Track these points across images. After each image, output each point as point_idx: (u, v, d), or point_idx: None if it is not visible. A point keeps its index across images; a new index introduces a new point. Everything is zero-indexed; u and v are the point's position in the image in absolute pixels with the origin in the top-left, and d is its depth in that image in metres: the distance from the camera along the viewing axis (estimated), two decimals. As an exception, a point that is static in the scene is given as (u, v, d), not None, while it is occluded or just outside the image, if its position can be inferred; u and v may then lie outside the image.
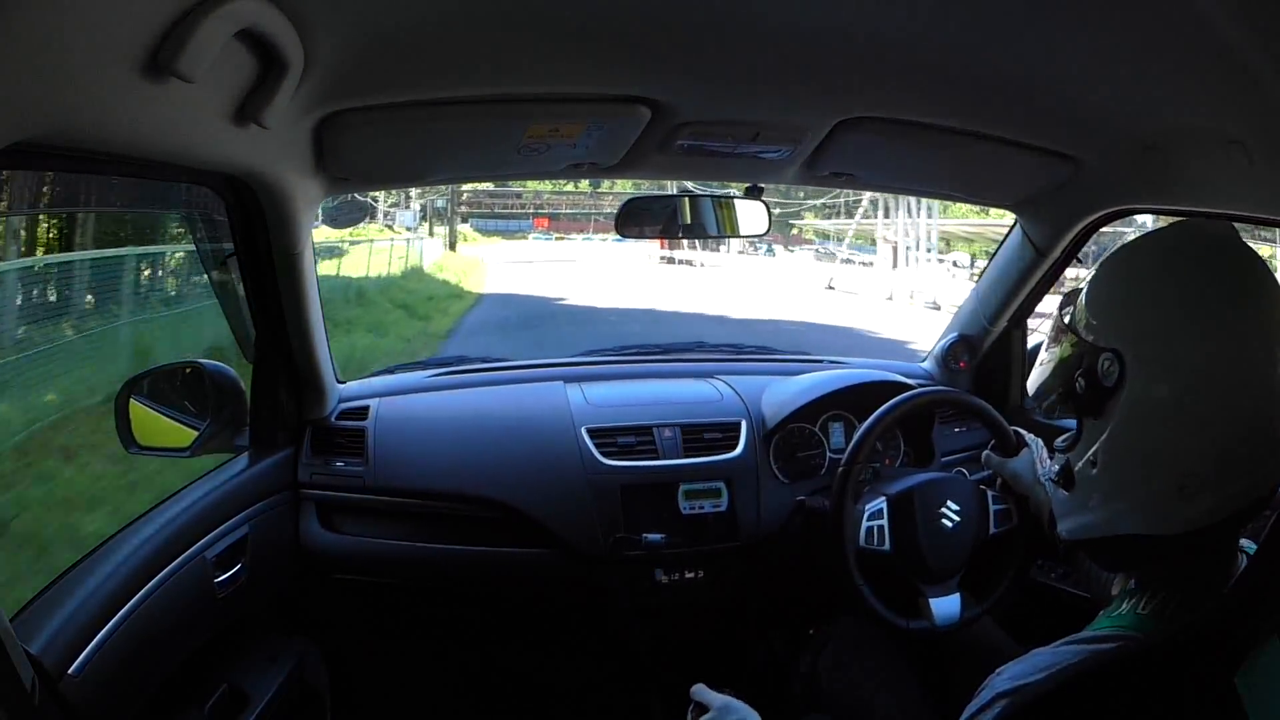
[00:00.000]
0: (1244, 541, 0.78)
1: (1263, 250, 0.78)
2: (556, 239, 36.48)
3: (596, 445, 1.53)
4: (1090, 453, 0.74)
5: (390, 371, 1.88)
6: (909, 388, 1.56)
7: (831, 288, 17.75)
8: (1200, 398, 0.67)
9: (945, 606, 1.20)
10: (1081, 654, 0.70)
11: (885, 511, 1.25)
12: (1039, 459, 1.23)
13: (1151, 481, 0.70)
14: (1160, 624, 0.71)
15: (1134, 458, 0.71)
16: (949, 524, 1.21)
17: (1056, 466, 0.80)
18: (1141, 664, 0.68)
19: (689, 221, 1.58)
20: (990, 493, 1.25)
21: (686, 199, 1.60)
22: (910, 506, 1.20)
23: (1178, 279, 0.71)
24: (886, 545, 1.26)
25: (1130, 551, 0.75)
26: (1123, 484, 0.72)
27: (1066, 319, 0.77)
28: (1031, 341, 1.80)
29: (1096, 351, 0.72)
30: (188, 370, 1.38)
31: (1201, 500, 0.68)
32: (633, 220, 1.53)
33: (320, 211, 1.41)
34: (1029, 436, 1.28)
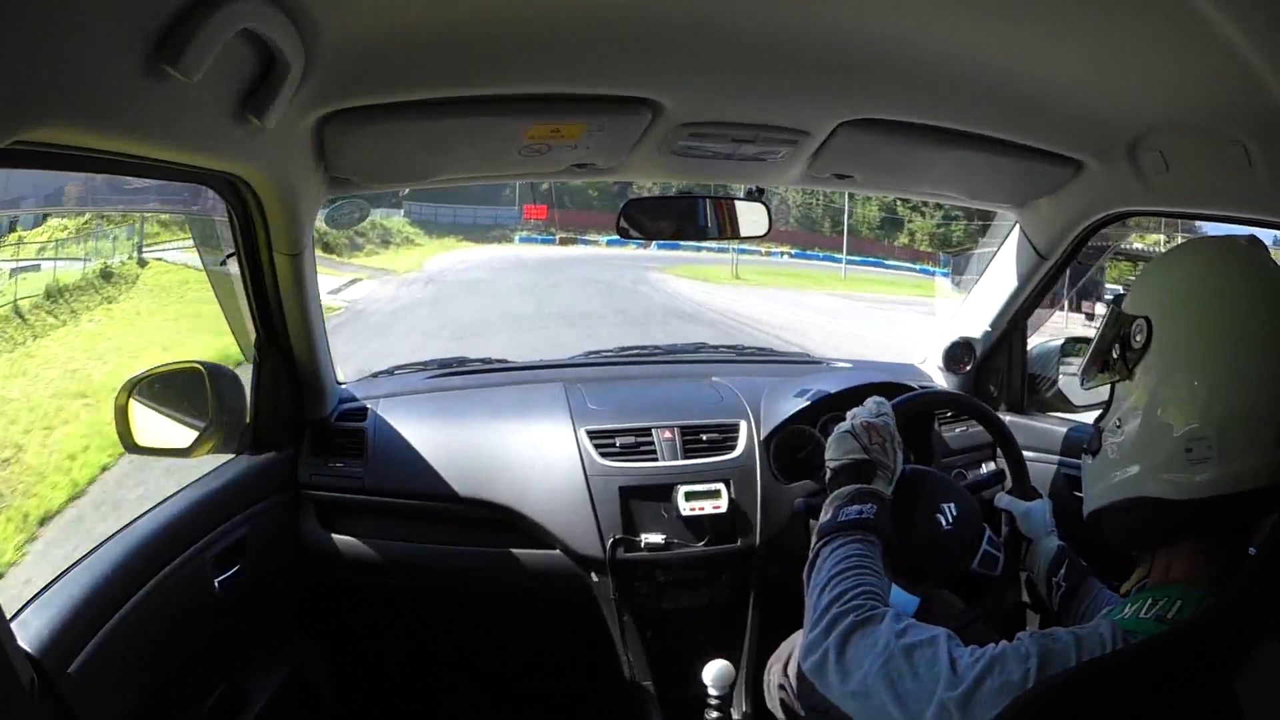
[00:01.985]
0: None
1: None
2: (561, 241, 21.26)
3: (595, 446, 1.53)
4: (1117, 416, 0.83)
5: (390, 372, 1.88)
6: (909, 389, 1.56)
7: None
8: (1210, 367, 0.75)
9: (901, 598, 1.18)
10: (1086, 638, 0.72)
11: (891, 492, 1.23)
12: (1048, 516, 1.23)
13: (1163, 441, 0.77)
14: (1165, 628, 0.72)
15: (1150, 416, 0.78)
16: (944, 522, 1.20)
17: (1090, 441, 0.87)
18: (1141, 665, 0.68)
19: (693, 222, 1.57)
20: (988, 534, 1.24)
21: (689, 200, 1.60)
22: (919, 488, 1.18)
23: (1211, 277, 0.80)
24: None
25: (1145, 520, 0.79)
26: (1140, 443, 0.79)
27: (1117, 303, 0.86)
28: (1032, 343, 1.80)
29: (1131, 320, 0.81)
30: (188, 370, 1.38)
31: (1207, 469, 0.74)
32: (635, 221, 1.53)
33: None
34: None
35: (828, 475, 1.07)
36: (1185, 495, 0.75)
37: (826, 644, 0.82)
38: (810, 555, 0.96)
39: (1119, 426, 0.82)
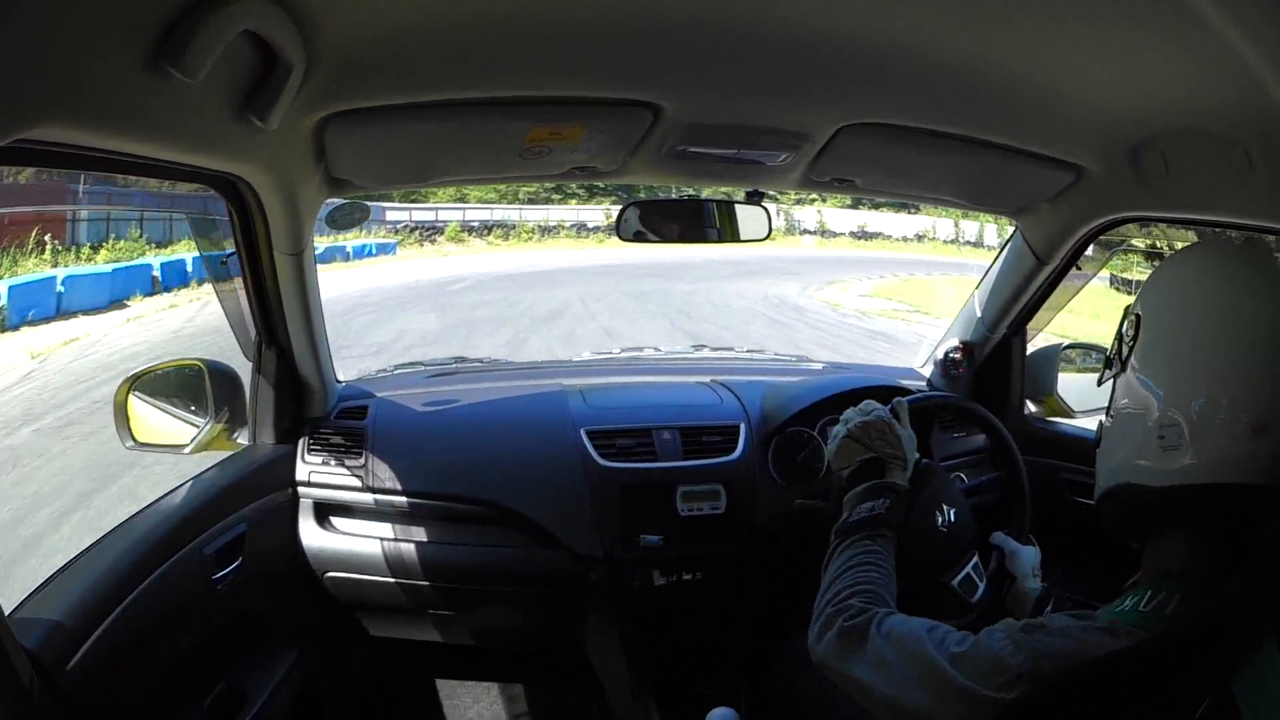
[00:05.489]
0: None
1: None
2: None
3: (596, 447, 1.53)
4: (1112, 408, 0.84)
5: (390, 371, 1.88)
6: (907, 392, 1.56)
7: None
8: (1179, 353, 0.77)
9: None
10: (1088, 633, 0.73)
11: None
12: (1037, 564, 1.26)
13: (1138, 427, 0.78)
14: (1162, 622, 0.72)
15: (1129, 403, 0.81)
16: (940, 523, 1.20)
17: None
18: (1140, 666, 0.68)
19: (694, 226, 1.57)
20: (976, 559, 1.23)
21: (690, 204, 1.60)
22: (925, 482, 1.18)
23: (1196, 272, 0.81)
24: None
25: (1128, 506, 0.81)
26: (1122, 431, 0.81)
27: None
28: (1031, 348, 1.80)
29: (1130, 315, 0.83)
30: (189, 368, 1.38)
31: (1180, 455, 0.74)
32: (636, 224, 1.53)
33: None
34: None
35: (841, 481, 1.09)
36: (1161, 482, 0.76)
37: (824, 642, 0.87)
38: (827, 554, 0.99)
39: (1111, 418, 0.84)
